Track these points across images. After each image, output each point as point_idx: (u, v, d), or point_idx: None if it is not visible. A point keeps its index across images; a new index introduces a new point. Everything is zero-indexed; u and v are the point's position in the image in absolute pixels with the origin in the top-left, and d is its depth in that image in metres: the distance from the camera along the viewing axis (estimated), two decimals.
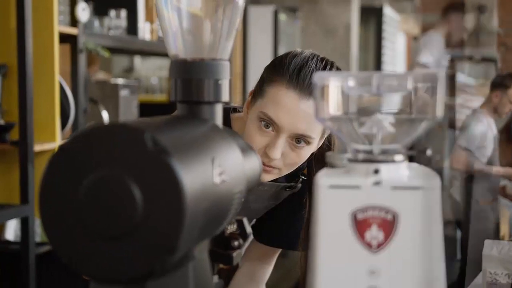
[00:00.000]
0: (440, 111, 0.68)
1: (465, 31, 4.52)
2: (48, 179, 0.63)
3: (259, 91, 1.29)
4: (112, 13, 3.10)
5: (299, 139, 1.25)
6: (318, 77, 0.70)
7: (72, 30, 2.70)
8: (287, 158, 1.27)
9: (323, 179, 0.69)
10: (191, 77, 0.80)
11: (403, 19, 8.78)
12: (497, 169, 4.27)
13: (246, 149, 0.87)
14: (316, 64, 1.27)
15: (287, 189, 1.43)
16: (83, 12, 2.69)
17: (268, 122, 1.25)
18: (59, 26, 2.58)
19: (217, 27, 0.82)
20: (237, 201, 0.76)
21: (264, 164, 1.26)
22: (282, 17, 4.91)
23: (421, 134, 0.72)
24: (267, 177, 1.30)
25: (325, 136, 1.34)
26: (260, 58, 4.69)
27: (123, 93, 3.16)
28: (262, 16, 4.69)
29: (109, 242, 0.61)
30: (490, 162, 4.20)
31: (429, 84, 0.68)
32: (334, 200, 0.68)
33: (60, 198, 0.63)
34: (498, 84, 4.34)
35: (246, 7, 4.64)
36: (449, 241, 4.64)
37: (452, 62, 4.62)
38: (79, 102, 2.74)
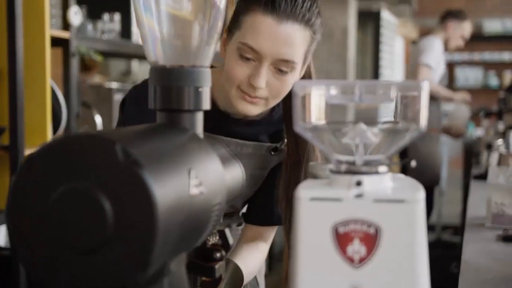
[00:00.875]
0: (424, 122, 0.66)
1: (463, 38, 4.55)
2: (16, 189, 0.61)
3: (234, 23, 1.27)
4: (106, 16, 3.07)
5: (282, 68, 1.24)
6: (299, 85, 0.68)
7: (64, 34, 2.67)
8: (272, 88, 1.25)
9: (304, 191, 0.66)
10: (171, 84, 0.78)
11: (401, 23, 8.77)
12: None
13: (228, 158, 0.84)
14: None
15: (272, 152, 1.41)
16: (76, 15, 2.67)
17: (248, 52, 1.23)
18: (51, 30, 2.56)
19: (197, 32, 0.80)
20: (216, 212, 0.73)
21: (249, 95, 1.25)
22: None
23: (405, 144, 0.69)
24: (254, 109, 1.28)
25: (307, 63, 1.32)
26: None
27: (118, 97, 3.14)
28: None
29: (78, 256, 0.59)
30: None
31: (413, 94, 0.66)
32: (315, 213, 0.66)
33: (29, 209, 0.60)
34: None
35: None
36: None
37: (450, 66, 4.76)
38: (71, 106, 2.72)
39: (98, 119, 2.99)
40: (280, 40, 1.21)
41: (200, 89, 0.79)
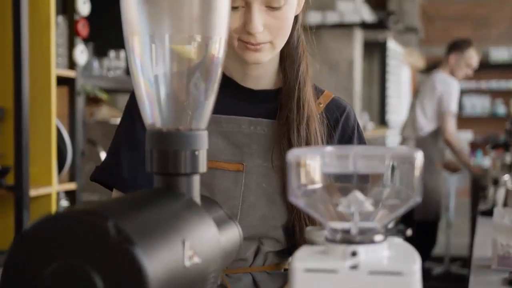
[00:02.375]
0: (419, 192, 0.66)
1: (469, 67, 4.55)
2: (9, 265, 0.60)
3: None
4: (112, 53, 3.10)
5: (273, 5, 1.16)
6: (292, 154, 0.68)
7: (70, 73, 2.69)
8: (271, 28, 1.17)
9: (299, 262, 0.66)
10: (167, 148, 0.78)
11: (408, 52, 8.79)
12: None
13: (224, 220, 0.84)
14: None
15: None
16: (81, 54, 2.69)
17: (233, 1, 1.15)
18: (57, 69, 2.58)
19: (193, 96, 0.80)
20: (212, 280, 0.73)
21: (252, 44, 1.17)
22: None
23: (401, 213, 0.69)
24: (263, 56, 1.19)
25: None
26: None
27: None
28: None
29: None
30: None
31: (407, 163, 0.66)
32: (310, 285, 0.65)
33: (21, 286, 0.60)
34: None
35: None
36: None
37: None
38: (76, 145, 2.72)
39: (103, 155, 3.00)
40: None
41: (196, 152, 0.79)
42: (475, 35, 10.38)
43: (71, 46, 2.69)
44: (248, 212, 1.21)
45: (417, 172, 0.66)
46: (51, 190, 2.52)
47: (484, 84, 10.35)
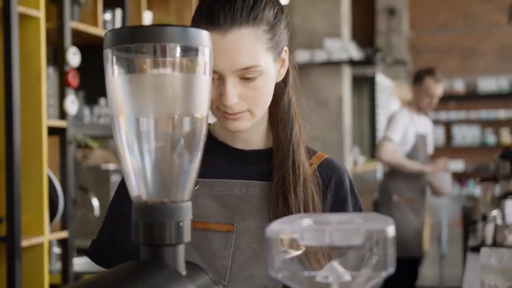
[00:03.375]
0: (392, 265, 0.69)
1: (429, 96, 4.43)
2: None
3: None
4: (102, 101, 3.14)
5: (247, 76, 1.16)
6: (271, 230, 0.71)
7: (61, 123, 2.73)
8: (247, 98, 1.18)
9: None
10: (153, 220, 0.81)
11: (396, 84, 8.89)
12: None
13: (209, 286, 0.87)
14: None
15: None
16: (72, 104, 2.73)
17: (213, 76, 1.14)
18: (48, 120, 2.61)
19: (177, 169, 0.84)
20: None
21: (229, 114, 1.19)
22: None
23: (378, 282, 0.72)
24: (242, 124, 1.21)
25: (281, 55, 1.24)
26: None
27: (115, 178, 3.18)
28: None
29: None
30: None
31: (380, 237, 0.69)
32: None
33: None
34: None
35: None
36: None
37: None
38: (68, 193, 2.75)
39: (95, 202, 3.02)
40: (229, 51, 1.15)
41: (181, 223, 0.82)
42: (463, 66, 10.52)
43: (62, 97, 2.73)
44: (237, 272, 1.24)
45: (390, 243, 0.70)
46: (43, 239, 2.54)
47: (473, 114, 10.45)
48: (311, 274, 0.72)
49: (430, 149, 4.66)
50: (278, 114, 1.29)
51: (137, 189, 0.84)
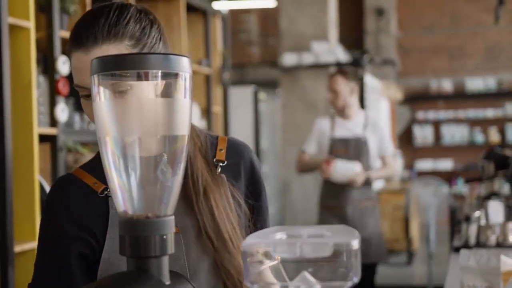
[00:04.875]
0: (358, 275, 0.75)
1: (334, 93, 4.22)
2: None
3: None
4: None
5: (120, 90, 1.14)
6: (248, 244, 0.78)
7: (52, 131, 2.78)
8: None
9: None
10: (138, 234, 0.87)
11: (385, 85, 8.96)
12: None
13: None
14: (95, 11, 1.23)
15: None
16: (62, 112, 2.79)
17: (83, 91, 1.21)
18: (39, 128, 2.67)
19: (161, 186, 0.90)
20: None
21: None
22: (262, 95, 5.04)
23: None
24: None
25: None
26: (242, 137, 4.79)
27: None
28: (242, 96, 4.82)
29: None
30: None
31: (346, 248, 0.75)
32: None
33: None
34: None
35: (226, 89, 4.77)
36: None
37: None
38: None
39: None
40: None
41: (165, 236, 0.88)
42: (451, 66, 10.62)
43: (52, 105, 2.78)
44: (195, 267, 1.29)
45: (355, 254, 0.76)
46: (35, 245, 2.59)
47: (462, 114, 10.56)
48: (283, 284, 0.78)
49: (389, 149, 4.33)
50: None
51: (123, 204, 0.90)
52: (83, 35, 1.21)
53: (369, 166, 4.23)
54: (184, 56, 0.89)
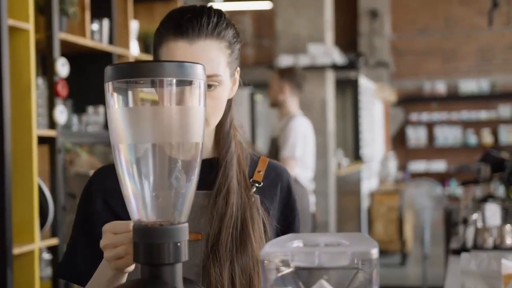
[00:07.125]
0: (377, 284, 0.76)
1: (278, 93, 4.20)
2: None
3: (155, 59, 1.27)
4: (90, 109, 3.19)
5: (208, 83, 1.21)
6: (265, 253, 0.78)
7: (51, 133, 2.78)
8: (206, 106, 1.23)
9: None
10: (152, 241, 0.87)
11: (379, 87, 8.98)
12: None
13: None
14: (192, 8, 1.26)
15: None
16: (61, 114, 2.78)
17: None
18: (38, 130, 2.66)
19: (175, 194, 0.90)
20: None
21: None
22: (258, 97, 5.04)
23: None
24: None
25: (236, 73, 1.32)
26: None
27: None
28: (238, 98, 4.78)
29: None
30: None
31: (366, 258, 0.76)
32: None
33: None
34: None
35: None
36: None
37: None
38: (57, 200, 2.79)
39: None
40: (196, 59, 1.20)
41: (179, 244, 0.88)
42: (444, 68, 10.65)
43: (51, 107, 2.78)
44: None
45: (374, 264, 0.76)
46: (34, 247, 2.59)
47: (455, 115, 10.59)
48: None
49: (284, 152, 4.14)
50: (221, 131, 1.33)
51: (137, 212, 0.90)
52: (187, 26, 1.22)
53: None
54: (198, 63, 0.89)
